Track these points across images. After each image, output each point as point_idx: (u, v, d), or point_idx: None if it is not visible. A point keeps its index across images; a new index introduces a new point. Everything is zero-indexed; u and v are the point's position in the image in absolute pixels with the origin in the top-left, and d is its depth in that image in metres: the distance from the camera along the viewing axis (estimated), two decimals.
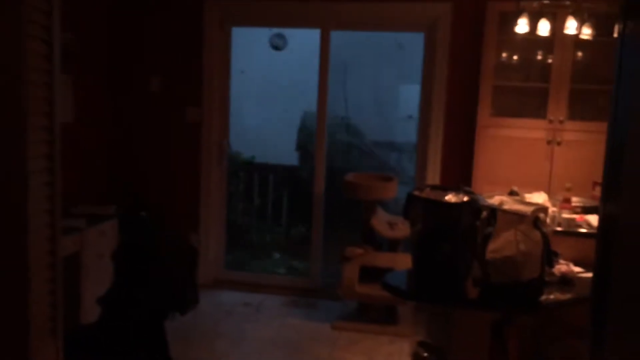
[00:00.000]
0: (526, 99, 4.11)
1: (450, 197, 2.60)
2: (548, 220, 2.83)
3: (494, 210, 2.51)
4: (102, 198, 4.50)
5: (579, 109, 3.98)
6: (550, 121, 3.94)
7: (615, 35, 3.12)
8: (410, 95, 6.94)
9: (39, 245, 2.03)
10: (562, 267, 2.78)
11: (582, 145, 3.92)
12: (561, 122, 3.93)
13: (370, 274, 4.02)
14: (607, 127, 1.58)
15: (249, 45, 6.35)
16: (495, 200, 2.72)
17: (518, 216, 2.49)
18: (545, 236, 2.52)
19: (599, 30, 3.28)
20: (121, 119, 4.77)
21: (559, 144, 3.94)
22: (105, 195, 4.60)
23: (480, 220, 2.53)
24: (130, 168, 4.77)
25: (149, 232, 3.00)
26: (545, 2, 2.96)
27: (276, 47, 6.75)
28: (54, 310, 2.10)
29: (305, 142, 6.67)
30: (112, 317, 2.78)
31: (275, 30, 6.61)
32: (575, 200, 3.42)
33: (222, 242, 4.90)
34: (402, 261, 3.90)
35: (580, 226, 3.17)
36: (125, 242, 2.90)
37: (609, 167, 1.57)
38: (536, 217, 2.52)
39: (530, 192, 3.35)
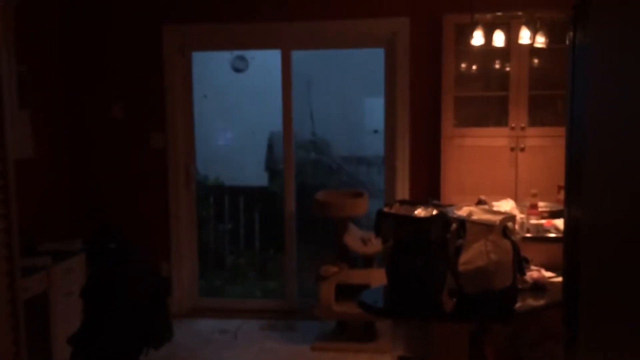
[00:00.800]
0: (487, 108, 4.18)
1: (419, 212, 2.61)
2: (517, 227, 2.87)
3: (462, 222, 2.52)
4: (68, 233, 4.39)
5: (539, 115, 4.07)
6: (512, 128, 4.02)
7: (567, 42, 3.20)
8: (374, 108, 6.99)
9: None
10: (534, 273, 2.82)
11: (544, 150, 4.00)
12: (523, 128, 4.00)
13: (346, 291, 4.00)
14: (565, 133, 1.61)
15: (211, 69, 6.32)
16: (463, 211, 2.74)
17: (487, 226, 2.51)
18: (514, 244, 2.54)
19: (551, 37, 3.36)
20: (83, 149, 4.68)
21: (522, 150, 4.01)
22: (72, 230, 4.49)
23: (451, 232, 2.54)
24: (95, 199, 4.67)
25: (118, 265, 2.93)
26: (498, 14, 3.02)
27: (237, 70, 6.75)
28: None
29: (274, 162, 6.64)
30: (84, 357, 2.70)
31: (236, 52, 6.60)
32: (542, 205, 3.47)
33: (195, 269, 4.82)
34: (378, 277, 3.88)
35: (549, 231, 3.21)
36: (93, 278, 2.82)
37: (569, 172, 1.60)
38: (504, 226, 2.55)
39: (497, 199, 3.39)
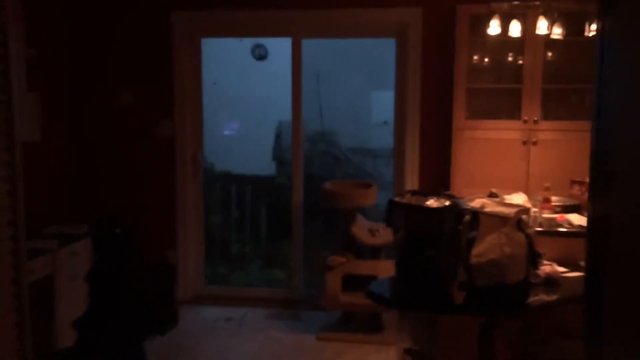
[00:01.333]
0: (500, 100, 4.13)
1: (431, 202, 2.57)
2: (529, 221, 2.82)
3: (476, 214, 2.48)
4: (74, 217, 4.37)
5: (553, 108, 4.01)
6: (525, 121, 3.96)
7: (587, 34, 3.14)
8: (382, 101, 6.96)
9: (1, 274, 1.92)
10: (547, 267, 2.77)
11: (557, 144, 3.95)
12: (536, 122, 3.95)
13: (353, 282, 3.97)
14: (591, 127, 1.56)
15: (221, 56, 6.28)
16: (476, 203, 2.70)
17: (501, 219, 2.47)
18: (529, 237, 2.51)
19: (568, 29, 3.30)
20: (90, 135, 4.65)
21: (534, 144, 3.96)
22: (78, 214, 4.46)
23: (463, 224, 2.50)
24: (102, 185, 4.65)
25: (124, 250, 2.90)
26: (516, 2, 2.96)
27: (260, 58, 6.75)
28: (21, 344, 1.98)
29: (282, 152, 6.61)
30: (89, 342, 2.67)
31: (255, 40, 6.59)
32: (555, 200, 3.43)
33: (201, 257, 4.80)
34: (385, 268, 3.86)
35: (561, 225, 3.16)
36: (99, 263, 2.79)
37: (594, 166, 1.55)
38: (519, 219, 2.51)
39: (509, 193, 3.33)
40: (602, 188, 1.49)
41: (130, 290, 2.70)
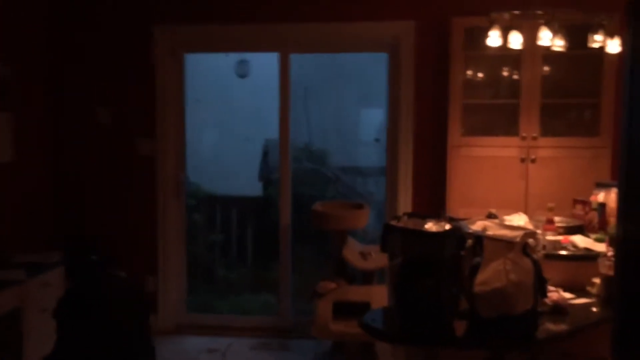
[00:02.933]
0: (497, 116, 3.97)
1: (430, 226, 2.37)
2: (536, 245, 2.62)
3: (479, 238, 2.29)
4: (48, 243, 4.11)
5: (551, 124, 3.86)
6: (523, 138, 3.80)
7: (590, 45, 2.99)
8: (371, 118, 6.80)
9: None
10: (553, 294, 2.57)
11: (557, 161, 3.79)
12: (534, 138, 3.79)
13: (344, 309, 3.75)
14: (620, 142, 1.36)
15: (204, 72, 6.10)
16: (477, 225, 2.50)
17: (506, 243, 2.27)
18: (536, 263, 2.31)
19: (570, 41, 3.15)
20: (67, 155, 4.42)
21: (533, 161, 3.80)
22: (52, 240, 4.20)
23: (466, 249, 2.30)
24: (78, 208, 4.41)
25: (95, 281, 2.66)
26: (515, 12, 2.81)
27: (241, 76, 6.57)
28: None
29: (269, 171, 6.41)
30: None
31: (238, 57, 6.41)
32: (557, 220, 3.24)
33: (183, 283, 4.55)
34: (378, 294, 3.65)
35: (566, 248, 2.97)
36: (67, 296, 2.55)
37: (626, 184, 1.36)
38: (525, 243, 2.32)
39: (508, 213, 3.14)
40: (636, 208, 1.30)
41: (102, 325, 2.47)
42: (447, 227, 2.34)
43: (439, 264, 2.30)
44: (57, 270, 3.58)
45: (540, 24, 2.87)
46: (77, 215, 4.39)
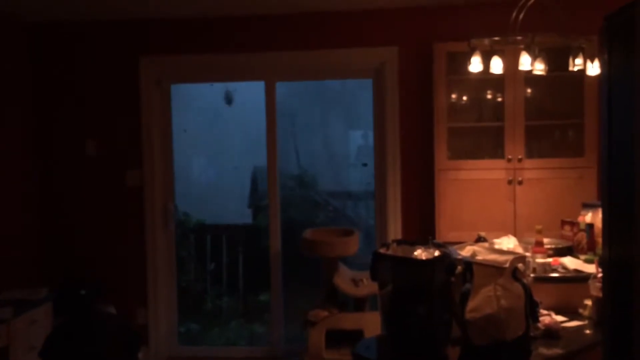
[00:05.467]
0: (482, 139, 4.00)
1: (419, 253, 2.36)
2: (525, 269, 2.62)
3: (469, 264, 2.28)
4: (34, 279, 4.05)
5: (536, 146, 3.90)
6: (509, 160, 3.83)
7: (571, 68, 3.04)
8: (359, 142, 6.82)
9: None
10: (545, 318, 2.56)
11: (543, 182, 3.82)
12: (520, 160, 3.82)
13: (337, 337, 3.71)
14: (600, 165, 1.38)
15: (192, 101, 6.11)
16: (467, 251, 2.50)
17: (496, 269, 2.27)
18: (526, 288, 2.30)
19: (551, 65, 3.20)
20: (54, 187, 4.39)
21: (520, 183, 3.82)
22: (39, 275, 4.15)
23: (455, 276, 2.29)
24: (66, 241, 4.36)
25: (86, 318, 2.62)
26: (496, 38, 2.85)
27: (228, 102, 6.60)
28: None
29: (258, 198, 6.39)
30: None
31: (220, 85, 6.43)
32: (546, 242, 3.25)
33: (173, 314, 4.49)
34: (371, 321, 3.63)
35: (556, 270, 2.97)
36: (55, 334, 2.51)
37: (609, 206, 1.37)
38: (515, 268, 2.31)
39: (497, 235, 3.16)
40: (622, 230, 1.30)
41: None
42: (437, 253, 2.33)
43: (429, 292, 2.29)
44: (45, 307, 3.52)
45: (521, 49, 2.90)
46: (65, 248, 4.34)
